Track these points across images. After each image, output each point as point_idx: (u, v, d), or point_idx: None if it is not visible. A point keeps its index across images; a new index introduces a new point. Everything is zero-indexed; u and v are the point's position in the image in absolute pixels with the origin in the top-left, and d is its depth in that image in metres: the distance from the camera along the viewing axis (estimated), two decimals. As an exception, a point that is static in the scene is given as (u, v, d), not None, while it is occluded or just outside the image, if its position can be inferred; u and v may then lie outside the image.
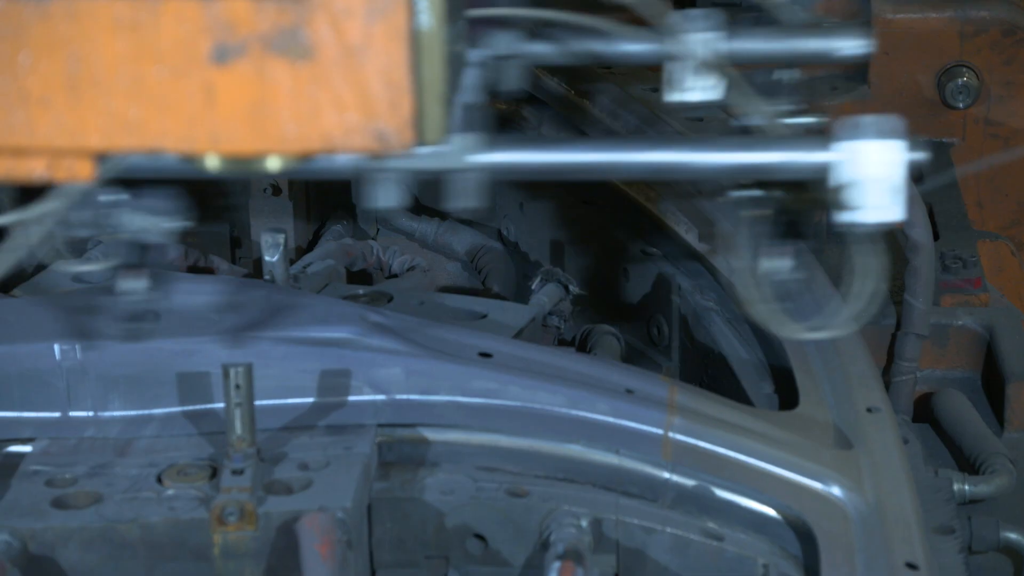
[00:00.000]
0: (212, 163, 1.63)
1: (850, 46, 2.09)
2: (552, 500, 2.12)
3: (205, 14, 1.51)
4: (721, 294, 2.93)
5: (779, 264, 1.99)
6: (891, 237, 3.39)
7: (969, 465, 2.77)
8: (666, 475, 2.21)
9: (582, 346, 2.81)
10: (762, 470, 2.21)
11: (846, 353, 2.55)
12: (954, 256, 3.27)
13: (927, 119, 3.98)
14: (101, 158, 1.62)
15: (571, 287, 2.81)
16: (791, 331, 1.92)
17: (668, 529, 2.13)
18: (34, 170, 1.61)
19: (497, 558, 2.13)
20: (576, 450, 2.22)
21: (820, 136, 1.88)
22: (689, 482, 2.21)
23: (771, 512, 2.19)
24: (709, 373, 2.76)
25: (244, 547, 1.99)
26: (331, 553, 1.92)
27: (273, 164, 1.61)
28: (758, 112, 1.91)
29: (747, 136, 1.94)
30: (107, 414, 2.20)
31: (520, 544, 2.12)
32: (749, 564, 2.13)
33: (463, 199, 1.84)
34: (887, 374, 3.08)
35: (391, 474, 2.17)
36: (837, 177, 1.86)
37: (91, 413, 2.20)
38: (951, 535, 2.38)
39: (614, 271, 3.08)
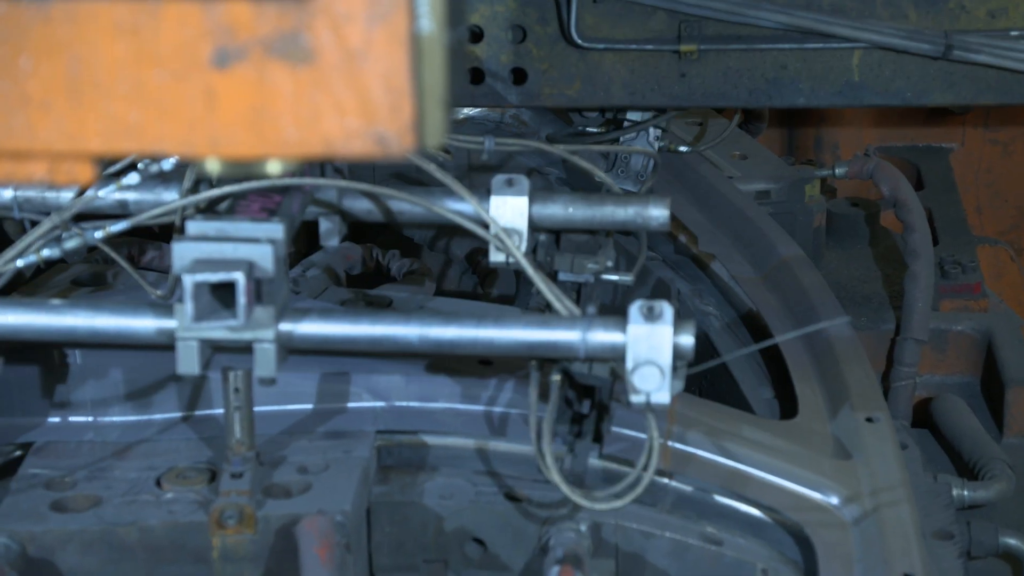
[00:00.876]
0: (212, 167, 1.62)
1: (656, 216, 2.21)
2: (551, 504, 2.12)
3: (206, 18, 1.51)
4: (720, 299, 2.93)
5: (579, 441, 2.07)
6: (891, 241, 3.40)
7: (968, 470, 2.77)
8: (665, 480, 2.21)
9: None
10: (760, 479, 2.21)
11: (845, 360, 2.55)
12: (953, 261, 3.27)
13: (927, 124, 3.98)
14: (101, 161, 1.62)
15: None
16: (589, 501, 1.97)
17: (667, 534, 2.13)
18: (34, 173, 1.60)
19: (496, 562, 2.13)
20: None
21: (613, 318, 1.94)
22: (688, 487, 2.21)
23: (769, 517, 2.19)
24: (708, 378, 2.76)
25: (243, 550, 1.99)
26: (330, 556, 1.92)
27: (273, 168, 1.61)
28: (546, 289, 2.00)
29: (543, 315, 2.01)
30: (106, 419, 2.20)
31: (519, 548, 2.12)
32: (748, 569, 2.13)
33: (263, 369, 1.91)
34: (886, 379, 3.08)
35: (390, 478, 2.17)
36: (621, 356, 1.92)
37: (90, 418, 2.20)
38: (950, 540, 2.38)
39: (613, 276, 3.08)
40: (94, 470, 2.10)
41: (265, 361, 1.91)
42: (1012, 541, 2.55)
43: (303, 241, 3.17)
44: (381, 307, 2.58)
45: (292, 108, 1.52)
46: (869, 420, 2.38)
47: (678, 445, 2.21)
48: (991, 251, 3.60)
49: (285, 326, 1.92)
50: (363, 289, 2.71)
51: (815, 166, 3.39)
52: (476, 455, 2.21)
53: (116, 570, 1.99)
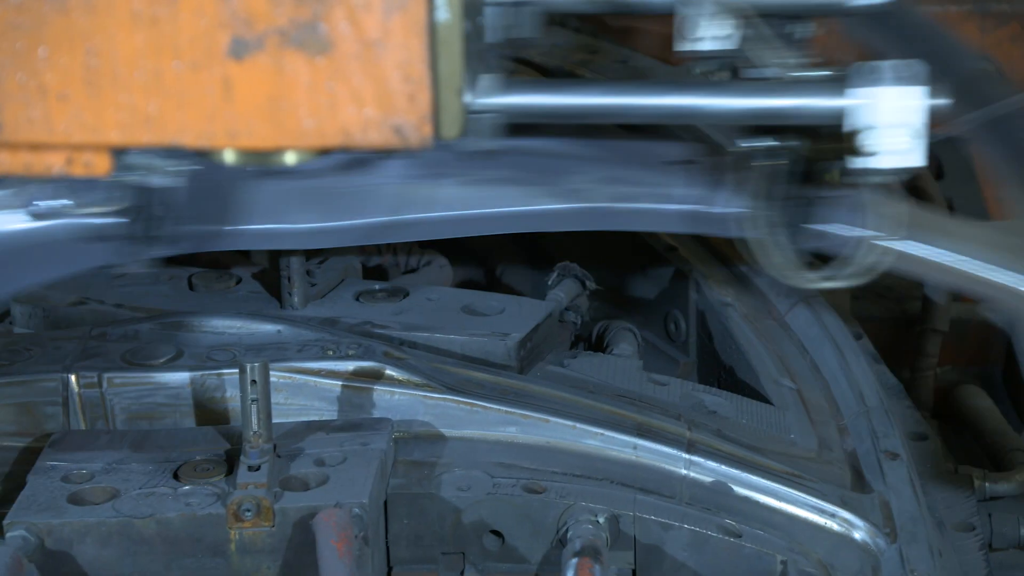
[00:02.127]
0: (230, 157, 1.62)
1: None
2: (569, 496, 2.12)
3: (223, 8, 1.50)
4: (739, 288, 2.92)
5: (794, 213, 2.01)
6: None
7: (990, 461, 2.76)
8: (683, 471, 2.20)
9: (599, 342, 2.80)
10: (986, 278, 2.22)
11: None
12: (974, 251, 3.26)
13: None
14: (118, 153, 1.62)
15: (588, 282, 2.80)
16: (804, 281, 1.93)
17: (686, 525, 2.12)
18: (52, 165, 1.61)
19: (514, 554, 2.12)
20: (593, 447, 2.22)
21: (837, 81, 1.86)
22: (707, 478, 2.21)
23: (789, 510, 2.19)
24: (727, 368, 2.75)
25: (260, 543, 1.99)
26: (348, 549, 1.91)
27: (291, 159, 1.61)
28: (775, 62, 1.91)
29: (764, 82, 1.92)
30: None
31: (537, 540, 2.12)
32: (767, 560, 2.12)
33: (477, 139, 1.81)
34: (907, 369, 3.07)
35: (408, 470, 2.16)
36: (854, 122, 1.84)
37: None
38: (972, 532, 2.37)
39: (631, 266, 3.07)
40: (111, 462, 2.10)
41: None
42: (1034, 533, 2.54)
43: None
44: (397, 298, 2.58)
45: (309, 98, 1.51)
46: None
47: (904, 244, 2.19)
48: (1011, 241, 3.58)
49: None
50: (380, 281, 2.71)
51: (835, 156, 3.38)
52: (494, 447, 2.21)
53: (134, 563, 1.99)
